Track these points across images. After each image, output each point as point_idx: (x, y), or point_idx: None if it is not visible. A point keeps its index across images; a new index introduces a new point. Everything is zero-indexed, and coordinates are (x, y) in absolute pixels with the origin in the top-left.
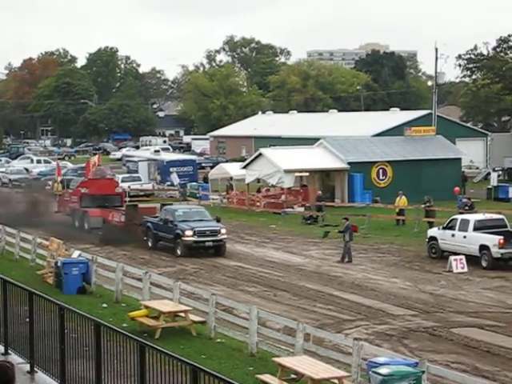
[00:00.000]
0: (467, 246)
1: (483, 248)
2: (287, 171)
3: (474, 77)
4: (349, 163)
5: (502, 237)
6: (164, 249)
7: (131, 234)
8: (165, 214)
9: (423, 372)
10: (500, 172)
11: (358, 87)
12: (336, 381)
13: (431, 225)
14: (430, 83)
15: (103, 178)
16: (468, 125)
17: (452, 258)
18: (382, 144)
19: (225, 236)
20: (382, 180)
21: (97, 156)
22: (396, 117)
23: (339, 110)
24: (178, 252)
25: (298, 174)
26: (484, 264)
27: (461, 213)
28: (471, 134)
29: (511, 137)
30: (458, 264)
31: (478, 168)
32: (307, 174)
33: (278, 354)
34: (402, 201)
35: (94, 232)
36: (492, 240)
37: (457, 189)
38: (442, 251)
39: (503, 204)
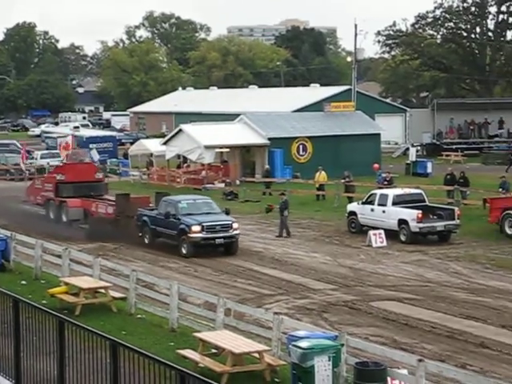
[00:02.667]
0: (386, 221)
1: (402, 222)
2: (207, 147)
3: (392, 53)
4: (269, 139)
5: (420, 211)
6: (164, 246)
7: (123, 228)
8: (165, 207)
9: (342, 345)
10: (418, 147)
11: (278, 63)
12: (256, 355)
13: (351, 200)
14: (349, 59)
15: (81, 163)
16: (387, 100)
17: (371, 232)
18: (302, 120)
19: (237, 231)
20: (302, 155)
21: (69, 137)
22: (316, 92)
23: (259, 86)
24: (183, 251)
25: (218, 150)
26: (403, 238)
27: (380, 188)
28: (390, 109)
29: (430, 112)
30: (377, 238)
31: (396, 143)
32: (228, 149)
33: (199, 329)
34: (321, 176)
35: (75, 225)
36: (410, 214)
37: (376, 165)
38: (361, 226)
39: (422, 179)
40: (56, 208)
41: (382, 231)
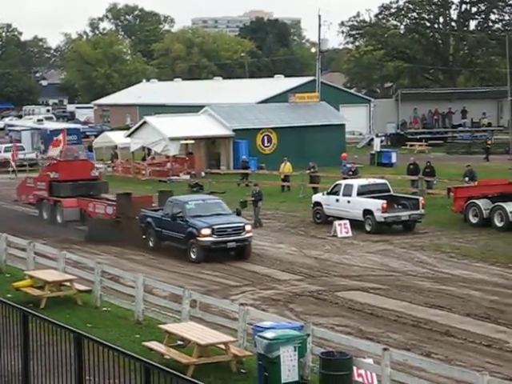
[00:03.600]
0: (351, 211)
1: (367, 212)
2: (172, 139)
3: (356, 43)
4: (234, 130)
5: (385, 201)
6: (171, 250)
7: (124, 230)
8: (171, 208)
9: (308, 335)
10: (383, 138)
11: (242, 54)
12: (222, 346)
13: (316, 190)
14: (313, 50)
15: (76, 160)
16: (351, 91)
17: (336, 222)
18: (266, 111)
19: (250, 234)
20: (267, 147)
21: (61, 134)
22: (280, 84)
23: (224, 78)
24: (192, 256)
25: (183, 142)
26: (368, 228)
27: (345, 178)
28: (355, 100)
29: (394, 103)
30: (342, 228)
31: (361, 134)
32: (193, 141)
33: (165, 321)
34: (286, 167)
35: (70, 226)
36: (375, 204)
37: (344, 155)
38: (326, 216)
39: (386, 169)
40: (50, 208)
41: (347, 221)
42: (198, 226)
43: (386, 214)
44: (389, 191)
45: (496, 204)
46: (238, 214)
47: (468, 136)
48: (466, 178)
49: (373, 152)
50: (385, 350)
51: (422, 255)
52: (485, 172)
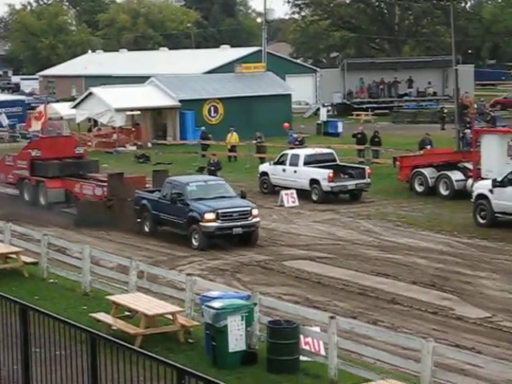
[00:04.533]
0: (298, 181)
1: (313, 182)
2: (118, 110)
3: (302, 13)
4: (180, 101)
5: (331, 170)
6: (170, 236)
7: (117, 213)
8: (170, 189)
9: (255, 304)
10: (329, 107)
11: (188, 25)
12: (170, 316)
13: (262, 160)
14: (259, 20)
15: (59, 136)
16: (298, 61)
17: (283, 192)
18: (212, 81)
19: (258, 219)
20: (214, 117)
21: (42, 105)
22: (226, 54)
23: (170, 48)
24: (194, 243)
25: (129, 113)
26: (314, 198)
27: (291, 148)
28: (301, 70)
29: (340, 72)
30: (289, 198)
31: (307, 104)
32: (139, 112)
33: (112, 292)
34: (233, 137)
35: (55, 209)
36: (322, 174)
37: (286, 124)
38: (273, 186)
39: (333, 139)
40: (32, 189)
41: (294, 191)
42: (201, 209)
43: (333, 184)
44: (335, 161)
45: (441, 173)
46: (243, 196)
47: (414, 105)
48: (428, 147)
49: (319, 122)
50: (331, 318)
51: (368, 224)
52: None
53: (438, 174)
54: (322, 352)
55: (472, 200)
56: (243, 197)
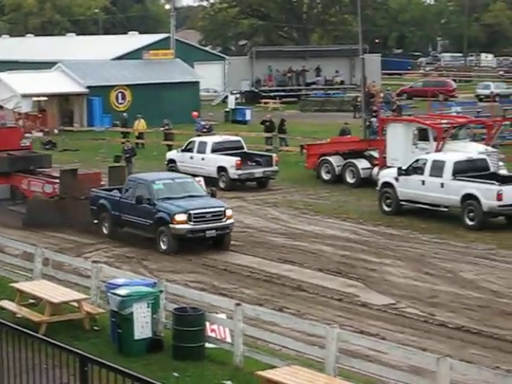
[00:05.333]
0: (205, 168)
1: (221, 169)
2: (24, 96)
3: (211, 1)
4: (87, 87)
5: (238, 158)
6: (132, 238)
7: (70, 213)
8: (134, 188)
9: (161, 291)
10: (238, 95)
11: (96, 10)
12: (75, 303)
13: (170, 148)
14: (167, 7)
15: (3, 127)
16: (206, 48)
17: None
18: (120, 68)
19: (232, 220)
20: (122, 104)
21: None
22: (135, 40)
23: (77, 34)
24: (163, 246)
25: (35, 99)
26: (222, 185)
27: (199, 135)
28: (209, 57)
29: (248, 60)
30: None
31: (216, 91)
32: (45, 98)
33: (17, 279)
34: (140, 124)
35: (1, 207)
36: (229, 161)
37: (195, 113)
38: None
39: (241, 126)
40: None
41: (202, 178)
42: (171, 210)
43: (240, 171)
44: (242, 148)
45: (348, 161)
46: (213, 195)
47: (321, 94)
48: (349, 136)
49: (227, 109)
50: (237, 305)
51: (275, 211)
52: (337, 129)
53: (344, 162)
54: (228, 339)
55: (378, 188)
56: (213, 196)
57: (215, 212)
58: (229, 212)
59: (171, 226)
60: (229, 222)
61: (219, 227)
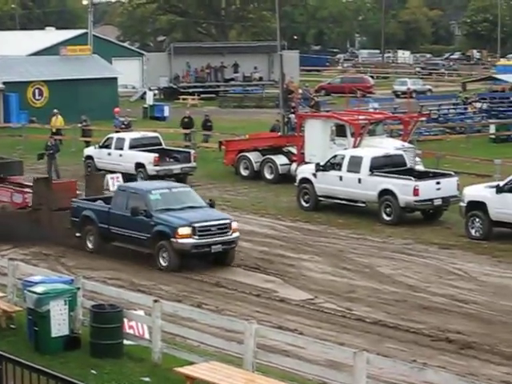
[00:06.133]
0: (123, 164)
1: (139, 166)
2: None
3: None
4: (4, 83)
5: (156, 154)
6: (122, 254)
7: (43, 226)
8: (126, 198)
9: (78, 288)
10: (156, 91)
11: (12, 6)
12: None
13: (88, 144)
14: (85, 2)
15: None
16: (124, 44)
17: (109, 176)
18: (37, 63)
19: (237, 234)
20: (38, 100)
21: None
22: (52, 36)
23: None
24: (163, 263)
25: None
26: (140, 181)
27: (117, 132)
28: (128, 53)
29: (167, 56)
30: (114, 182)
31: (134, 87)
32: None
33: None
34: (58, 121)
35: None
36: (147, 158)
37: (117, 109)
38: (98, 170)
39: (159, 122)
40: None
41: (120, 175)
42: (173, 223)
43: (158, 168)
44: (161, 144)
45: (266, 157)
46: (212, 206)
47: (240, 90)
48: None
49: (146, 106)
50: (155, 301)
51: None
52: (256, 125)
53: (262, 158)
54: (146, 336)
55: (296, 184)
56: (212, 206)
57: (221, 225)
58: (234, 225)
59: (173, 240)
60: (234, 235)
61: (225, 241)
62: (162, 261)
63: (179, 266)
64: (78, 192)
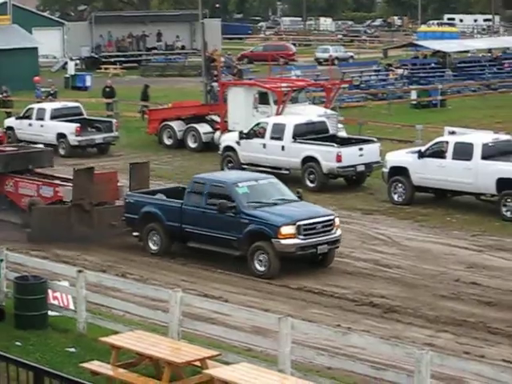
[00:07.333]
0: (44, 135)
1: (60, 136)
2: None
3: None
4: None
5: (78, 124)
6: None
7: (85, 224)
8: (206, 192)
9: (1, 260)
10: (77, 61)
11: None
12: None
13: (9, 115)
14: None
15: None
16: (45, 14)
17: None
18: None
19: (340, 231)
20: None
21: None
22: None
23: None
24: (259, 268)
25: None
26: (62, 152)
27: (39, 102)
28: (48, 23)
29: (88, 26)
30: None
31: (55, 57)
32: None
33: None
34: None
35: None
36: (69, 128)
37: (36, 78)
38: (19, 141)
39: (81, 93)
40: None
41: (43, 145)
42: (274, 221)
43: (80, 138)
44: (82, 114)
45: (189, 125)
46: (300, 198)
47: (162, 59)
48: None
49: (67, 76)
50: (79, 272)
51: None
52: (179, 94)
53: (186, 126)
54: (71, 306)
55: (219, 152)
56: (300, 199)
57: (325, 222)
58: (337, 221)
59: (275, 241)
60: (338, 233)
61: (330, 240)
62: (257, 265)
63: (278, 270)
64: (119, 184)
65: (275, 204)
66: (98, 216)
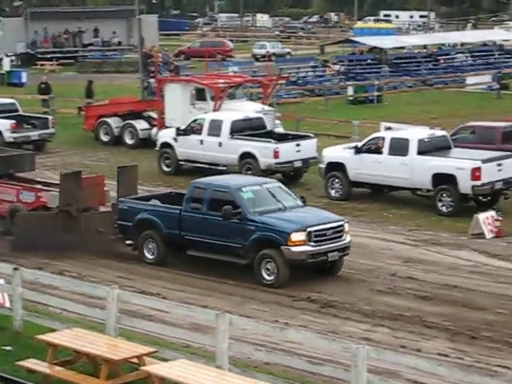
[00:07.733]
0: None
1: None
2: None
3: None
4: None
5: (14, 121)
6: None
7: (72, 231)
8: (207, 198)
9: None
10: (13, 57)
11: None
12: None
13: None
14: None
15: None
16: None
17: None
18: None
19: (350, 238)
20: None
21: None
22: None
23: None
24: (267, 277)
25: None
26: None
27: None
28: None
29: (23, 21)
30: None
31: None
32: None
33: None
34: None
35: None
36: (4, 124)
37: None
38: None
39: (17, 89)
40: None
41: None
42: (284, 228)
43: (15, 134)
44: (17, 111)
45: (126, 122)
46: (304, 203)
47: (99, 55)
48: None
49: (2, 72)
50: (15, 269)
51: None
52: (116, 90)
53: (123, 123)
54: (7, 304)
55: (157, 149)
56: (304, 203)
57: (336, 228)
58: (347, 226)
59: (284, 248)
60: (348, 239)
61: (341, 247)
62: (265, 274)
63: (287, 279)
64: (105, 188)
65: (281, 209)
66: (85, 222)
